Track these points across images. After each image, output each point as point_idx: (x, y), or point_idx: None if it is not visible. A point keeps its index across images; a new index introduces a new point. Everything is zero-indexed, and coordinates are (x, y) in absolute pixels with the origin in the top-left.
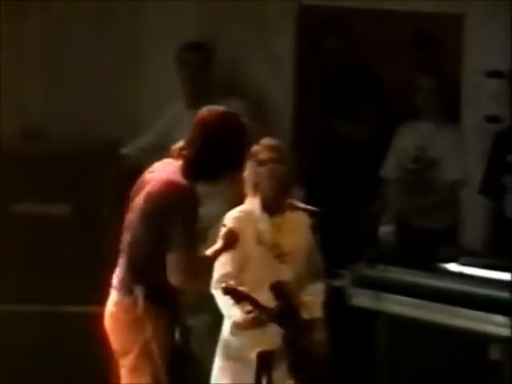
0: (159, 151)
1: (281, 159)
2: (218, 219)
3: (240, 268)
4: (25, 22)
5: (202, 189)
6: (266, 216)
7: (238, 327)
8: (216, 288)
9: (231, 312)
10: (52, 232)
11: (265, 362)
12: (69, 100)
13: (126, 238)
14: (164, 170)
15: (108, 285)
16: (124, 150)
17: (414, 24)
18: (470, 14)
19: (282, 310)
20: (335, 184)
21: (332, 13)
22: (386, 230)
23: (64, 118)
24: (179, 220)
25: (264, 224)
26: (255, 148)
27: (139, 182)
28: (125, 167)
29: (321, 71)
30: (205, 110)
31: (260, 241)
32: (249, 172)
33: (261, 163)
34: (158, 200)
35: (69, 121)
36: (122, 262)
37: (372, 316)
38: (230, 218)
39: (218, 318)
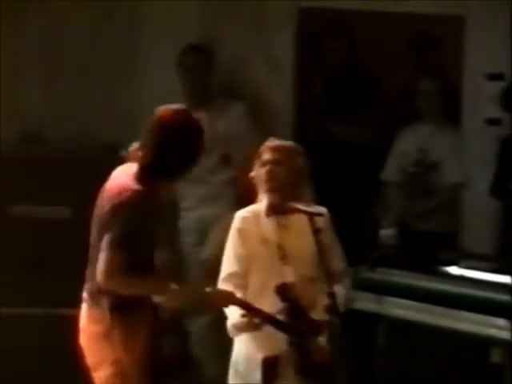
0: None
1: (280, 161)
2: (218, 220)
3: (246, 268)
4: (24, 25)
5: (202, 190)
6: (271, 216)
7: (233, 329)
8: (221, 283)
9: (229, 314)
10: (51, 235)
11: (270, 368)
12: (68, 103)
13: (91, 248)
14: (120, 177)
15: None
16: (123, 153)
17: (415, 26)
18: (470, 17)
19: (288, 313)
20: (336, 187)
21: (332, 15)
22: (387, 233)
23: (63, 121)
24: (118, 221)
25: (268, 225)
26: (261, 148)
27: (101, 190)
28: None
29: (321, 73)
30: (160, 109)
31: (264, 241)
32: (255, 172)
33: (262, 164)
34: (106, 206)
35: (68, 124)
36: (88, 273)
37: (373, 319)
38: (238, 218)
39: (217, 321)
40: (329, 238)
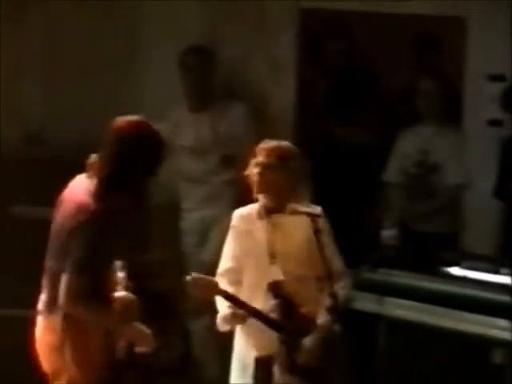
0: None
1: (272, 164)
2: (218, 221)
3: (240, 265)
4: (24, 26)
5: (203, 191)
6: (263, 215)
7: (221, 321)
8: (218, 278)
9: (219, 307)
10: None
11: (263, 368)
12: (68, 103)
13: (49, 258)
14: (78, 191)
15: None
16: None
17: (415, 27)
18: (471, 18)
19: (279, 309)
20: (337, 188)
21: (333, 16)
22: (388, 233)
23: (64, 122)
24: (79, 244)
25: (260, 224)
26: (257, 148)
27: (60, 200)
28: None
29: (322, 74)
30: (117, 120)
31: (254, 240)
32: (249, 172)
33: (255, 165)
34: (65, 222)
35: (69, 124)
36: (44, 283)
37: (374, 319)
38: (234, 216)
39: None
40: (326, 238)
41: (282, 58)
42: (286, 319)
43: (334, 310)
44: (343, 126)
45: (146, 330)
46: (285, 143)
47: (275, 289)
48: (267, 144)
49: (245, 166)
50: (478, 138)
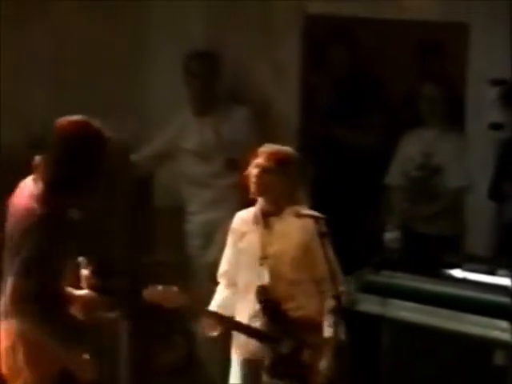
0: (165, 158)
1: (269, 168)
2: (223, 224)
3: (236, 267)
4: (29, 29)
5: (208, 195)
6: (259, 218)
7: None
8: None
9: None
10: None
11: (250, 371)
12: (74, 106)
13: (2, 262)
14: (23, 194)
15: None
16: (132, 157)
17: (419, 33)
18: (474, 23)
19: (263, 314)
20: (340, 191)
21: (337, 21)
22: (391, 236)
23: None
24: (26, 246)
25: (254, 225)
26: (258, 151)
27: (11, 201)
28: (133, 174)
29: (326, 80)
30: (59, 121)
31: (248, 242)
32: (248, 172)
33: (254, 166)
34: (14, 227)
35: None
36: (3, 286)
37: (377, 321)
38: (235, 217)
39: None
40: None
41: (286, 62)
42: (271, 324)
43: (337, 312)
44: (346, 129)
45: (86, 358)
46: (285, 148)
47: (260, 294)
48: (268, 147)
49: (246, 166)
50: (480, 142)
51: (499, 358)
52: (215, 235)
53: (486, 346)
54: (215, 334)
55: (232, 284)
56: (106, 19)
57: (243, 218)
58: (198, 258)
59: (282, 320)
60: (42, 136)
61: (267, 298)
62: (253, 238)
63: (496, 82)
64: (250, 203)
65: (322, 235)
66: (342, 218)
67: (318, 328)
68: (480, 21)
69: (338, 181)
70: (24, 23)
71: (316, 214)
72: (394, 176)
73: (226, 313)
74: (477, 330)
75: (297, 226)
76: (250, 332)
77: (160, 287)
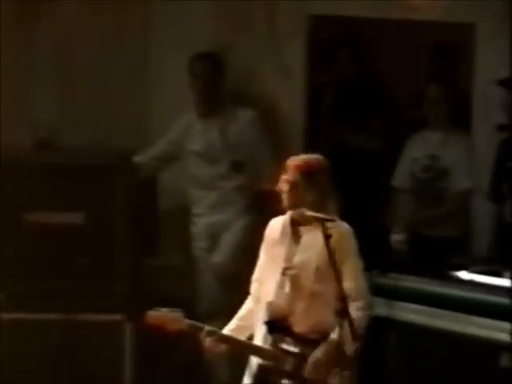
0: (171, 160)
1: (295, 183)
2: (228, 226)
3: (263, 273)
4: (36, 33)
5: (214, 197)
6: (287, 227)
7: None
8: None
9: None
10: (65, 241)
11: (264, 376)
12: (81, 110)
13: None
14: None
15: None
16: (136, 159)
17: (425, 33)
18: (480, 24)
19: (269, 330)
20: (347, 193)
21: (343, 22)
22: (397, 238)
23: (76, 128)
24: None
25: (283, 234)
26: (286, 163)
27: None
28: (137, 176)
29: (332, 80)
30: None
31: (276, 250)
32: (279, 187)
33: (282, 182)
34: None
35: (81, 131)
36: None
37: (384, 323)
38: (268, 225)
39: None
40: (345, 253)
41: (292, 64)
42: (274, 340)
43: (343, 314)
44: (353, 131)
45: None
46: (312, 158)
47: (268, 309)
48: (295, 160)
49: (275, 180)
50: (486, 143)
51: (506, 360)
52: (221, 237)
53: (493, 347)
54: (218, 351)
55: (257, 290)
56: (115, 25)
57: (275, 225)
58: (204, 260)
59: (289, 338)
60: (50, 139)
61: (273, 315)
62: (280, 248)
63: (502, 83)
64: (257, 206)
65: (326, 238)
66: (348, 219)
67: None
68: (486, 22)
69: (345, 183)
70: (33, 29)
71: (321, 215)
72: (401, 178)
73: (245, 324)
74: (483, 331)
75: (319, 235)
76: (252, 351)
77: (163, 310)
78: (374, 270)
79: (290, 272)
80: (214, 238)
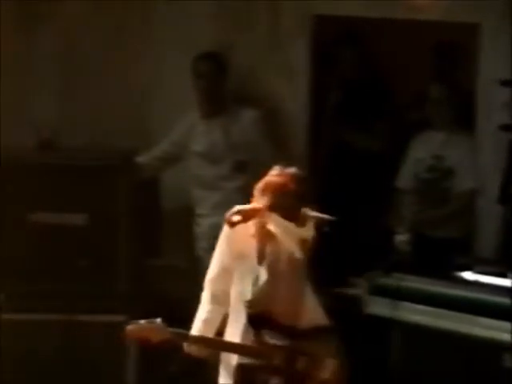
0: (174, 160)
1: (279, 203)
2: None
3: (227, 274)
4: (37, 34)
5: (217, 197)
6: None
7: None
8: (204, 289)
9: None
10: (67, 241)
11: (247, 375)
12: (83, 110)
13: None
14: None
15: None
16: (139, 160)
17: (429, 33)
18: (484, 24)
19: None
20: (351, 194)
21: (346, 23)
22: (401, 238)
23: (78, 128)
24: None
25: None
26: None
27: None
28: (140, 177)
29: (335, 81)
30: None
31: (244, 245)
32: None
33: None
34: None
35: (83, 131)
36: None
37: (388, 324)
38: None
39: None
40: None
41: (296, 64)
42: (259, 336)
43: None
44: (357, 132)
45: None
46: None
47: (247, 305)
48: (274, 178)
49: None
50: (490, 143)
51: (509, 361)
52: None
53: (497, 348)
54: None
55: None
56: (116, 26)
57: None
58: (207, 261)
59: (275, 331)
60: (52, 139)
61: (253, 312)
62: (251, 244)
63: (506, 83)
64: None
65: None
66: (352, 220)
67: (316, 334)
68: (490, 21)
69: (349, 183)
70: (35, 30)
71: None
72: (404, 179)
73: (211, 327)
74: (487, 332)
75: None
76: (239, 351)
77: (142, 321)
78: (378, 271)
79: (266, 262)
80: (216, 239)
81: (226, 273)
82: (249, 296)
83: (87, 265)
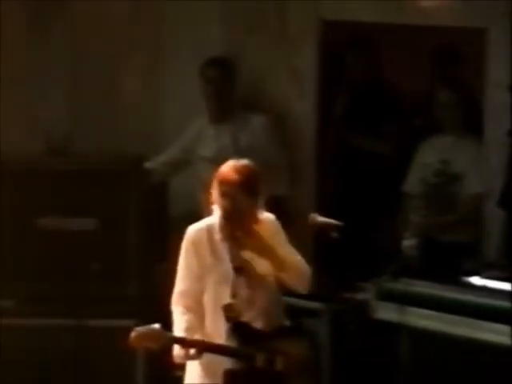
0: (182, 166)
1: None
2: None
3: (199, 283)
4: (49, 40)
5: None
6: (223, 228)
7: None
8: (173, 305)
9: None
10: (77, 246)
11: (231, 381)
12: (94, 115)
13: None
14: None
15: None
16: (148, 165)
17: (437, 39)
18: (492, 28)
19: (232, 333)
20: (358, 198)
21: (354, 28)
22: (409, 243)
23: (89, 134)
24: None
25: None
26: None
27: None
28: (149, 182)
29: (343, 86)
30: None
31: (214, 252)
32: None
33: (221, 194)
34: None
35: (94, 136)
36: None
37: (395, 329)
38: (191, 230)
39: None
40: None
41: (304, 69)
42: (242, 340)
43: None
44: (364, 136)
45: None
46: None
47: (226, 311)
48: (221, 168)
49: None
50: (498, 148)
51: None
52: None
53: (506, 353)
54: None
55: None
56: (125, 35)
57: (200, 229)
58: None
59: (255, 335)
60: (63, 145)
61: (234, 316)
62: (222, 250)
63: None
64: None
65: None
66: (359, 225)
67: (287, 333)
68: (498, 26)
69: (356, 188)
70: (45, 35)
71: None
72: (412, 183)
73: (192, 335)
74: (495, 337)
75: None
76: (222, 351)
77: (141, 328)
78: (385, 276)
79: (242, 271)
80: None
81: (197, 283)
82: (228, 300)
83: (98, 269)
